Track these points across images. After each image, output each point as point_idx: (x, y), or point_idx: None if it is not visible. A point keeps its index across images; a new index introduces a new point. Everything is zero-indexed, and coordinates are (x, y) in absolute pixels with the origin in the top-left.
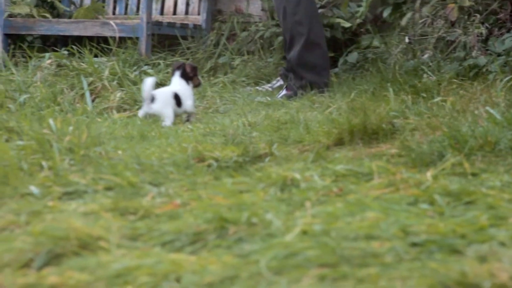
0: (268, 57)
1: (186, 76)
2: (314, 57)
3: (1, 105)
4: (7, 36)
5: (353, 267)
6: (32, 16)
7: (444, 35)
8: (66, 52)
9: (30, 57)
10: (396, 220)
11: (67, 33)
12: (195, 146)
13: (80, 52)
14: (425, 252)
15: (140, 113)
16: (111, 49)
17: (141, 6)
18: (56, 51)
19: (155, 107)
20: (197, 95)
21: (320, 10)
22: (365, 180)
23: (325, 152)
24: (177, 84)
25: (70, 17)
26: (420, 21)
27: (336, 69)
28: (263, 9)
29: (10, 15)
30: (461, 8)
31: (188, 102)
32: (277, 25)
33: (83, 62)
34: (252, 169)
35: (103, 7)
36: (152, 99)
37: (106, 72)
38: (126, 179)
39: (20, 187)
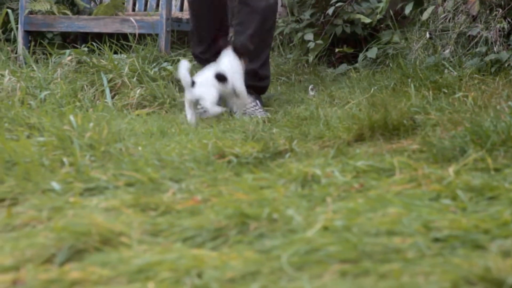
0: (287, 53)
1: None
2: None
3: (22, 102)
4: (27, 33)
5: (375, 262)
6: (53, 13)
7: (465, 30)
8: (86, 49)
9: (50, 54)
10: (418, 216)
11: (87, 30)
12: (215, 142)
13: (100, 49)
14: (448, 248)
15: (189, 115)
16: (130, 46)
17: (160, 2)
18: (76, 47)
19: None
20: None
21: (339, 5)
22: (386, 176)
23: (346, 148)
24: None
25: (90, 14)
26: (441, 16)
27: (356, 65)
28: (282, 5)
29: (31, 12)
30: (482, 3)
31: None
32: (297, 21)
33: (103, 59)
34: (273, 165)
35: (123, 3)
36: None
37: (126, 69)
38: (147, 175)
39: (41, 183)
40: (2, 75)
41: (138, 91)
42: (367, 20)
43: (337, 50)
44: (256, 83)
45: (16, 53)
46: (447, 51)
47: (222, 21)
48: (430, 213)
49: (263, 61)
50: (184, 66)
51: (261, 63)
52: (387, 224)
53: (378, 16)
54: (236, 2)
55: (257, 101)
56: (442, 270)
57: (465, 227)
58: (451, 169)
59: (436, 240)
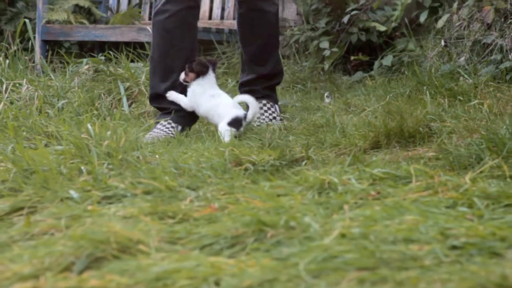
0: (303, 61)
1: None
2: None
3: (40, 111)
4: (45, 42)
5: (392, 270)
6: (70, 22)
7: (480, 38)
8: (103, 58)
9: (67, 63)
10: (435, 223)
11: (104, 39)
12: (232, 150)
13: (116, 58)
14: (465, 255)
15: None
16: (147, 54)
17: None
18: (93, 56)
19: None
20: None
21: (355, 13)
22: (402, 184)
23: (362, 156)
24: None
25: (107, 23)
26: (456, 24)
27: (372, 72)
28: (298, 13)
29: (48, 22)
30: (497, 11)
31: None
32: (313, 29)
33: (119, 68)
34: (289, 172)
35: (140, 12)
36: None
37: (143, 77)
38: (164, 183)
39: (60, 192)
40: (20, 84)
41: None
42: (382, 28)
43: (352, 58)
44: (272, 82)
45: (33, 62)
46: (462, 58)
47: (193, 49)
48: (447, 220)
49: (274, 61)
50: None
51: (273, 64)
52: (404, 231)
53: (393, 24)
54: (243, 9)
55: (276, 107)
56: (459, 277)
57: (482, 235)
58: (467, 177)
59: (453, 247)
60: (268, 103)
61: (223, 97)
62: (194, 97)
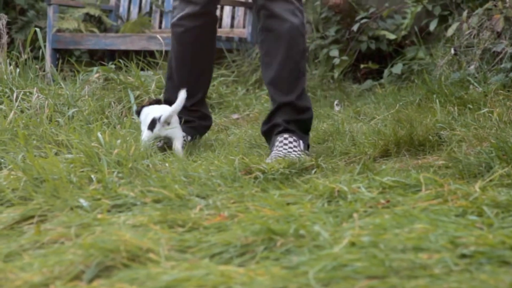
0: (313, 70)
1: None
2: None
3: (50, 119)
4: (55, 50)
5: (402, 278)
6: (80, 31)
7: (490, 46)
8: (113, 66)
9: (78, 71)
10: (445, 232)
11: (114, 47)
12: (241, 158)
13: (127, 66)
14: (475, 264)
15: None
16: (157, 63)
17: None
18: (104, 65)
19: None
20: (243, 107)
21: (364, 21)
22: (412, 192)
23: (372, 164)
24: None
25: (117, 32)
26: (466, 33)
27: (381, 80)
28: (308, 22)
29: (58, 30)
30: (507, 19)
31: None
32: (322, 38)
33: (130, 76)
34: (299, 181)
35: (150, 21)
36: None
37: (153, 86)
38: (174, 192)
39: (70, 200)
40: (31, 93)
41: None
42: (392, 36)
43: (362, 66)
44: (297, 116)
45: (44, 70)
46: (472, 67)
47: (209, 62)
48: (457, 229)
49: (300, 91)
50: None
51: (298, 94)
52: (414, 240)
53: (403, 32)
54: (261, 21)
55: (300, 142)
56: (469, 286)
57: (491, 243)
58: (477, 185)
59: (463, 256)
60: (291, 137)
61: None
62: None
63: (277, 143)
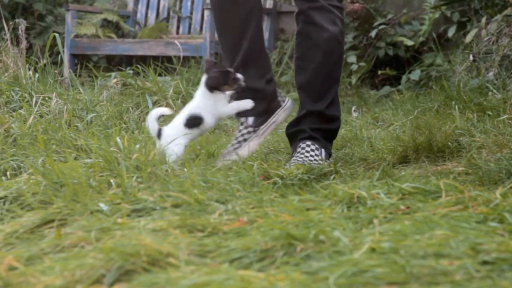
0: None
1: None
2: None
3: (69, 124)
4: (73, 56)
5: (423, 285)
6: (98, 37)
7: (509, 52)
8: (131, 72)
9: (96, 76)
10: (466, 238)
11: (131, 53)
12: (260, 163)
13: (144, 71)
14: (496, 271)
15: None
16: (175, 68)
17: (204, 25)
18: (121, 70)
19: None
20: None
21: (382, 28)
22: (432, 198)
23: (391, 170)
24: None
25: (134, 37)
26: (485, 39)
27: (399, 87)
28: None
29: (77, 36)
30: None
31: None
32: None
33: (147, 81)
34: (318, 186)
35: (167, 27)
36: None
37: (171, 91)
38: (193, 197)
39: (89, 204)
40: (50, 98)
41: None
42: (410, 43)
43: (380, 72)
44: (323, 125)
45: (62, 76)
46: (491, 73)
47: (247, 27)
48: (478, 235)
49: (330, 100)
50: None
51: (328, 103)
52: (435, 246)
53: (421, 39)
54: (299, 25)
55: (322, 150)
56: None
57: None
58: (498, 192)
59: (484, 262)
60: (314, 145)
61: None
62: None
63: (299, 149)
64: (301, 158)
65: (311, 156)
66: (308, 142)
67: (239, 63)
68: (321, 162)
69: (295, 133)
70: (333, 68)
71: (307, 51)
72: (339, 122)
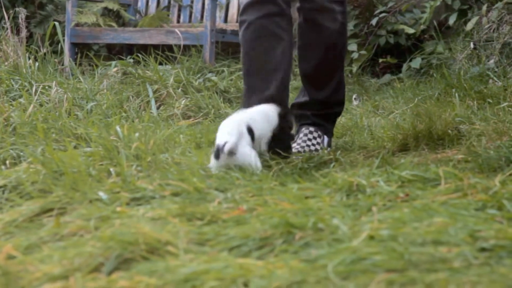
0: None
1: None
2: None
3: (69, 113)
4: (74, 45)
5: (421, 272)
6: (98, 25)
7: (510, 40)
8: (131, 60)
9: (96, 65)
10: (464, 226)
11: (132, 42)
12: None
13: (145, 60)
14: (494, 257)
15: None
16: (175, 57)
17: (205, 14)
18: (122, 59)
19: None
20: None
21: (383, 16)
22: (431, 186)
23: (390, 158)
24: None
25: (135, 26)
26: (486, 27)
27: (400, 75)
28: None
29: (77, 24)
30: None
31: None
32: None
33: (148, 70)
34: (317, 174)
35: (168, 15)
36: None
37: (171, 80)
38: (192, 185)
39: (89, 193)
40: (50, 87)
41: (183, 102)
42: (411, 31)
43: (380, 60)
44: (326, 111)
45: (62, 64)
46: (492, 61)
47: (280, 65)
48: (476, 223)
49: (333, 88)
50: None
51: (332, 90)
52: (433, 233)
53: (422, 27)
54: (300, 19)
55: (324, 137)
56: (489, 279)
57: (511, 237)
58: (497, 179)
59: (483, 249)
60: (316, 131)
61: None
62: None
63: (301, 135)
64: (302, 146)
65: (313, 145)
66: (311, 129)
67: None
68: (320, 151)
69: (298, 116)
70: (336, 59)
71: (308, 46)
72: (343, 106)
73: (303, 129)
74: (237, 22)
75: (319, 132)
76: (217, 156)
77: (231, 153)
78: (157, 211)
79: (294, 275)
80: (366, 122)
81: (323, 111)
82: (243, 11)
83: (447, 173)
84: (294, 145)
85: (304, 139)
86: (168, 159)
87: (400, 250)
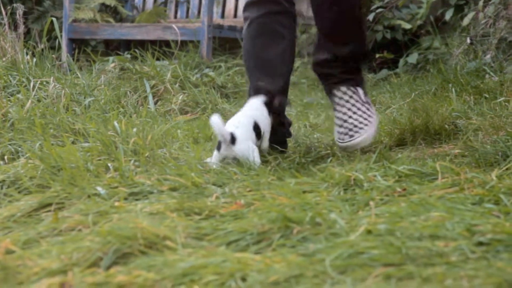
0: None
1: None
2: None
3: (67, 108)
4: (71, 40)
5: (419, 266)
6: (96, 21)
7: (506, 35)
8: (129, 56)
9: (94, 61)
10: (461, 220)
11: (129, 37)
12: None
13: (142, 56)
14: (491, 251)
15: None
16: (173, 53)
17: (202, 9)
18: (119, 55)
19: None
20: None
21: (380, 11)
22: (428, 180)
23: (387, 153)
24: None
25: (132, 22)
26: (482, 22)
27: (397, 70)
28: None
29: (74, 20)
30: None
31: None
32: None
33: (145, 66)
34: (315, 169)
35: (165, 11)
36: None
37: (168, 75)
38: (190, 180)
39: (87, 188)
40: (47, 82)
41: (180, 97)
42: (408, 26)
43: (377, 55)
44: (354, 64)
45: (60, 60)
46: (488, 56)
47: (281, 63)
48: (473, 217)
49: (357, 40)
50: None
51: (355, 46)
52: (430, 228)
53: (419, 22)
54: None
55: (358, 89)
56: (486, 273)
57: (508, 231)
58: (493, 174)
59: (480, 244)
60: (349, 89)
61: None
62: None
63: (337, 100)
64: (346, 118)
65: (353, 106)
66: (343, 88)
67: None
68: (367, 116)
69: (325, 75)
70: (352, 18)
71: (322, 10)
72: (368, 54)
73: (335, 91)
74: (234, 17)
75: (352, 88)
76: (218, 147)
77: (233, 139)
78: (155, 206)
79: (292, 269)
80: None
81: (349, 66)
82: (245, 7)
83: (444, 168)
84: (336, 115)
85: (342, 103)
86: (166, 154)
87: (397, 244)
